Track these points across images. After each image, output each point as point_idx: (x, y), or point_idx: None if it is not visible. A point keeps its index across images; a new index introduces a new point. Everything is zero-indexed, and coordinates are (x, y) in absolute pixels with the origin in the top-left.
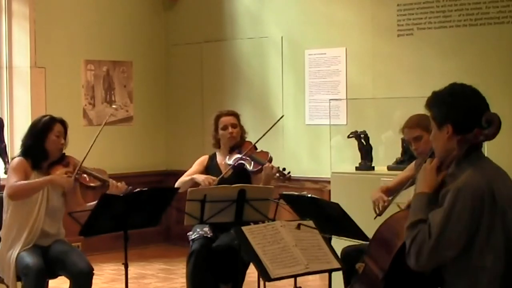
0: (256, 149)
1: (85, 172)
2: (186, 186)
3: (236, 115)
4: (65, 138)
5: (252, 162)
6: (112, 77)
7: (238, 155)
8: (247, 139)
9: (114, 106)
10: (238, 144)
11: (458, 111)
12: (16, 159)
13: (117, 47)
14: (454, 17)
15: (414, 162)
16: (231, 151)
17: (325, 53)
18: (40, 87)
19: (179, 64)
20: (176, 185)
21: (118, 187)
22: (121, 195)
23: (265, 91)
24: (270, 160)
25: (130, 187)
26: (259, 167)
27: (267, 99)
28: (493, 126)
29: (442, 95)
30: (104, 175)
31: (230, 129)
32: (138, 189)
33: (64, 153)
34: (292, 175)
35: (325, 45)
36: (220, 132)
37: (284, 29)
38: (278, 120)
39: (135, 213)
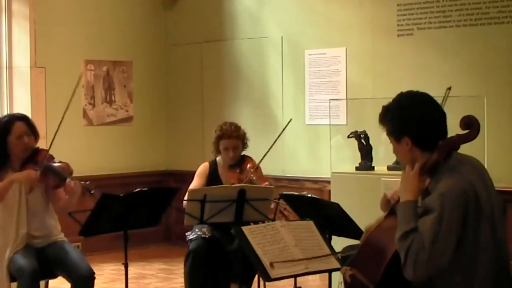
0: (259, 168)
1: (48, 169)
2: None
3: (237, 136)
4: (33, 134)
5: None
6: (112, 77)
7: (238, 173)
8: (247, 150)
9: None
10: (238, 161)
11: (410, 124)
12: None
13: (117, 47)
14: (454, 17)
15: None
16: (231, 167)
17: (325, 53)
18: (40, 87)
19: (179, 64)
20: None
21: (72, 187)
22: (121, 195)
23: (265, 91)
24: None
25: (88, 182)
26: None
27: (267, 99)
28: (472, 128)
29: (392, 110)
30: (66, 171)
31: (231, 153)
32: (138, 189)
33: (37, 148)
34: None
35: (325, 45)
36: (221, 150)
37: (284, 29)
38: (287, 124)
39: (135, 213)
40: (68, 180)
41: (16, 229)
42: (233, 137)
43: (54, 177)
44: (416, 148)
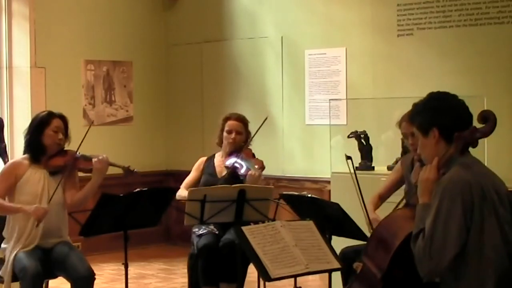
0: (254, 156)
1: (81, 158)
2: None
3: (243, 122)
4: (65, 134)
5: (244, 167)
6: (112, 77)
7: (234, 158)
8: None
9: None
10: (238, 150)
11: (438, 113)
12: (9, 163)
13: (117, 47)
14: (454, 17)
15: (399, 163)
16: (229, 155)
17: (325, 53)
18: (40, 87)
19: (179, 64)
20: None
21: (99, 160)
22: (121, 195)
23: (265, 91)
24: (262, 168)
25: (128, 165)
26: (247, 172)
27: (267, 99)
28: (489, 123)
29: (421, 104)
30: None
31: (233, 135)
32: (138, 189)
33: (63, 148)
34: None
35: (325, 45)
36: (224, 134)
37: (284, 29)
38: (263, 122)
39: (135, 213)
40: (94, 159)
41: (31, 229)
42: (239, 120)
43: (86, 161)
44: (442, 141)
